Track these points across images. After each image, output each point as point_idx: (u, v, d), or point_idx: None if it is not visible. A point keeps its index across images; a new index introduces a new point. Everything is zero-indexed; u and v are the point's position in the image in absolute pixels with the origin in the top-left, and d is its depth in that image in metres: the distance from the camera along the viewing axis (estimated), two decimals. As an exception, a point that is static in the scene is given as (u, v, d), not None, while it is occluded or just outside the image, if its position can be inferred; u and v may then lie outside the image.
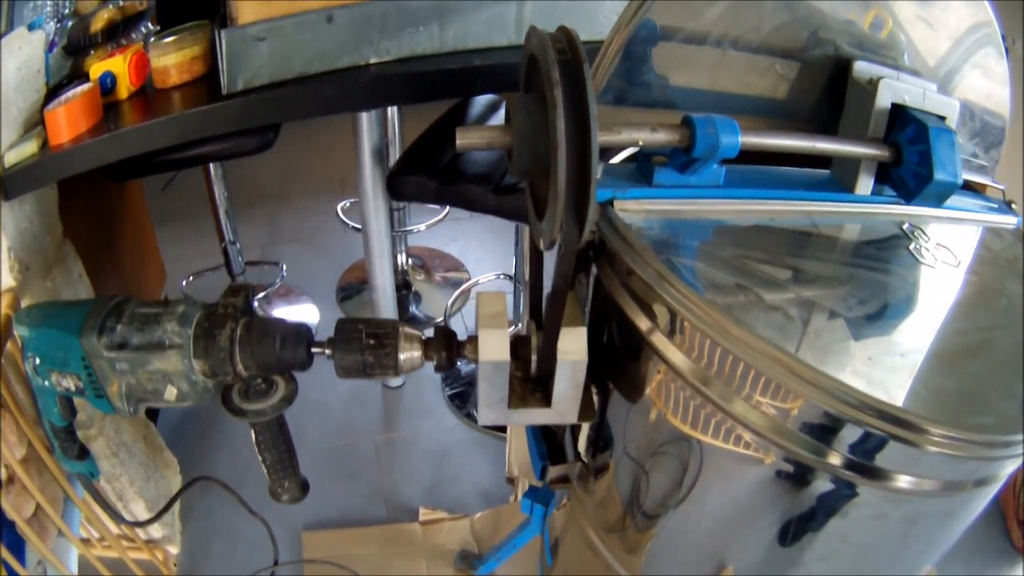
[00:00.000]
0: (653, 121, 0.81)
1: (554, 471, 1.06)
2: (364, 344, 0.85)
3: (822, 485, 0.76)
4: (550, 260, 0.80)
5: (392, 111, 2.35)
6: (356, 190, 1.95)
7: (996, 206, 0.99)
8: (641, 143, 0.79)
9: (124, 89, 1.37)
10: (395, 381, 2.32)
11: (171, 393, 0.86)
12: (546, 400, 0.88)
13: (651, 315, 0.80)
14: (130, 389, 0.86)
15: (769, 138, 0.86)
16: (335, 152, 3.26)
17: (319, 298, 2.63)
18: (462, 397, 2.28)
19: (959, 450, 0.68)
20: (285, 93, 1.35)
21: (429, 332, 0.90)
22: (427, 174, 1.73)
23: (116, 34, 1.39)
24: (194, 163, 1.92)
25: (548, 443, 1.08)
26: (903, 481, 0.73)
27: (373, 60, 1.40)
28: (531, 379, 0.89)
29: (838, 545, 0.83)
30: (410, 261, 2.76)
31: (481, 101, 2.05)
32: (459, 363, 0.89)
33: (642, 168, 0.88)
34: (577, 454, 1.06)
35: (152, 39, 1.40)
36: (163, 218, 2.38)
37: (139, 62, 1.38)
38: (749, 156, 0.86)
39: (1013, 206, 0.99)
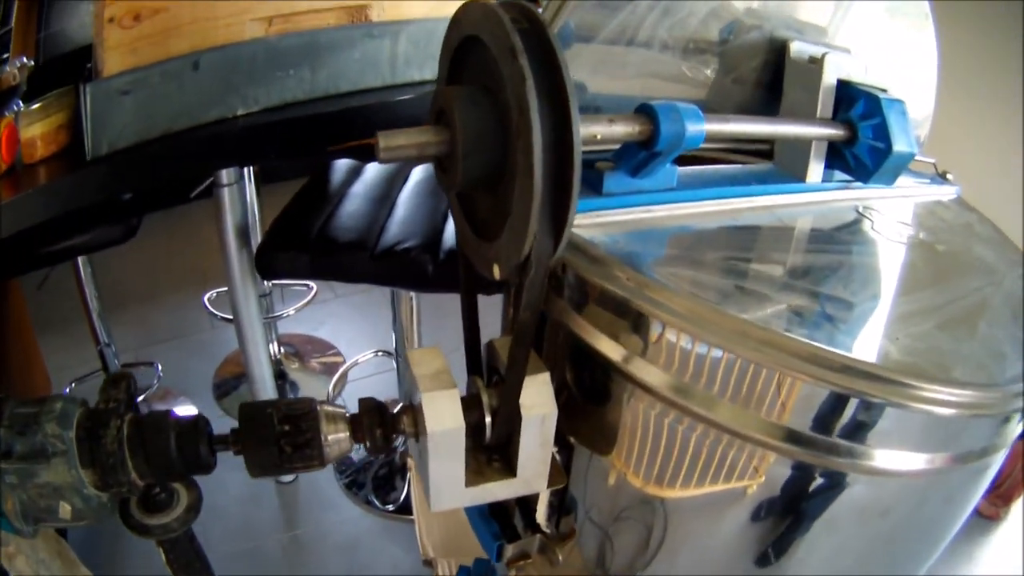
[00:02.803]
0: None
1: (512, 549, 0.87)
2: (278, 432, 0.64)
3: (821, 487, 0.64)
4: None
5: (250, 192, 2.14)
6: (220, 280, 1.79)
7: (930, 179, 0.93)
8: (598, 137, 0.62)
9: (-6, 167, 1.19)
10: (287, 475, 2.07)
11: (65, 511, 0.71)
12: (508, 469, 0.70)
13: (627, 337, 0.63)
14: (24, 507, 0.70)
15: (732, 124, 0.71)
16: (195, 242, 3.11)
17: (197, 397, 2.44)
18: (358, 484, 2.10)
19: (977, 408, 0.59)
20: (151, 153, 1.20)
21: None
22: (298, 247, 1.52)
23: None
24: (64, 257, 1.84)
25: (499, 519, 0.89)
26: (914, 462, 0.62)
27: (241, 112, 1.24)
28: (484, 447, 0.70)
29: (843, 552, 0.71)
30: (282, 349, 2.57)
31: (342, 167, 1.86)
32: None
33: (586, 177, 0.71)
34: (534, 525, 0.87)
35: (21, 110, 1.23)
36: (40, 324, 2.21)
37: (10, 137, 1.20)
38: (683, 158, 0.74)
39: (948, 176, 0.94)
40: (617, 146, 0.73)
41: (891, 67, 0.91)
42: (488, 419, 0.67)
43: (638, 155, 0.69)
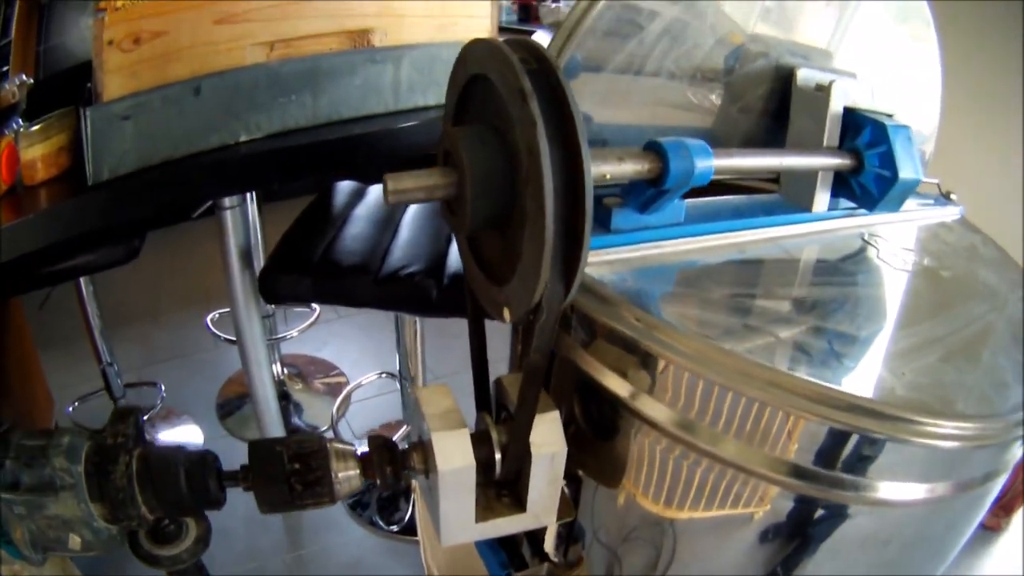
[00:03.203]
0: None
1: (520, 579, 0.86)
2: (288, 470, 0.64)
3: (824, 517, 0.64)
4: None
5: (252, 213, 2.13)
6: (223, 300, 1.76)
7: (934, 201, 0.93)
8: (608, 177, 0.62)
9: (-6, 188, 1.17)
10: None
11: (75, 542, 0.72)
12: (518, 504, 0.69)
13: (634, 374, 0.63)
14: (34, 536, 0.72)
15: (739, 159, 0.71)
16: (198, 261, 3.07)
17: (200, 417, 2.40)
18: (363, 505, 2.07)
19: (980, 440, 0.59)
20: (153, 180, 1.17)
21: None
22: (300, 271, 1.50)
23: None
24: (65, 277, 1.80)
25: (507, 548, 0.88)
26: (916, 492, 0.61)
27: (243, 138, 1.22)
28: (494, 482, 0.69)
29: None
30: (286, 370, 2.54)
31: (345, 188, 1.85)
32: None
33: (595, 214, 0.71)
34: (542, 554, 0.86)
35: (21, 130, 1.21)
36: (42, 342, 2.17)
37: (10, 157, 1.18)
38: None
39: (952, 197, 0.94)
40: (626, 182, 0.72)
41: (895, 85, 0.91)
42: (498, 455, 0.67)
43: (646, 192, 0.69)
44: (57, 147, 1.22)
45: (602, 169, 0.61)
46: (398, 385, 2.24)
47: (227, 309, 2.03)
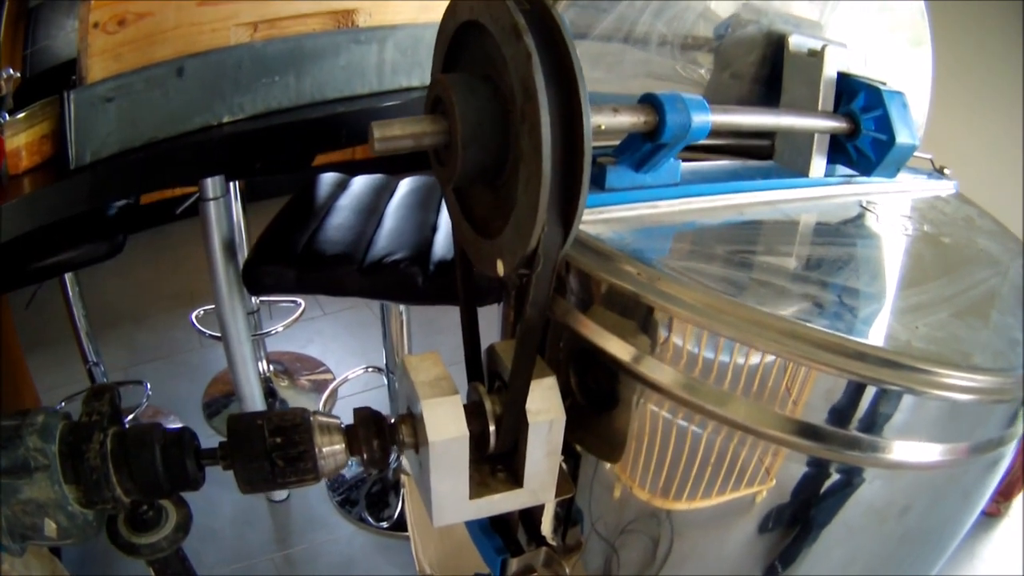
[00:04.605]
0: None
1: (516, 564, 0.81)
2: (269, 445, 0.59)
3: (836, 486, 0.60)
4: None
5: (236, 207, 2.09)
6: (208, 300, 1.72)
7: (927, 175, 0.91)
8: (603, 127, 0.58)
9: (-20, 178, 1.14)
10: (279, 494, 2.03)
11: (51, 528, 0.67)
12: (514, 479, 0.65)
13: (636, 335, 0.59)
14: (10, 523, 0.67)
15: (737, 115, 0.67)
16: (183, 263, 3.06)
17: (186, 416, 2.36)
18: (351, 502, 2.02)
19: (997, 394, 0.56)
20: (135, 162, 1.15)
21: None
22: (285, 262, 1.46)
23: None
24: (49, 274, 1.75)
25: (501, 533, 0.84)
26: (931, 453, 0.58)
27: (227, 119, 1.19)
28: (488, 457, 0.65)
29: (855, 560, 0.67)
30: (271, 367, 2.49)
31: (328, 179, 1.81)
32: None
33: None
34: (538, 538, 0.82)
35: (6, 119, 1.19)
36: (28, 343, 2.17)
37: None
38: (682, 156, 0.71)
39: (946, 172, 0.91)
40: (618, 141, 0.69)
41: (885, 63, 0.88)
42: (492, 427, 0.63)
43: (642, 148, 0.65)
44: (40, 135, 1.20)
45: (597, 120, 0.57)
46: (384, 380, 2.20)
47: (212, 307, 1.99)
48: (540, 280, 0.52)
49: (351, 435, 0.63)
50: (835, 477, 0.59)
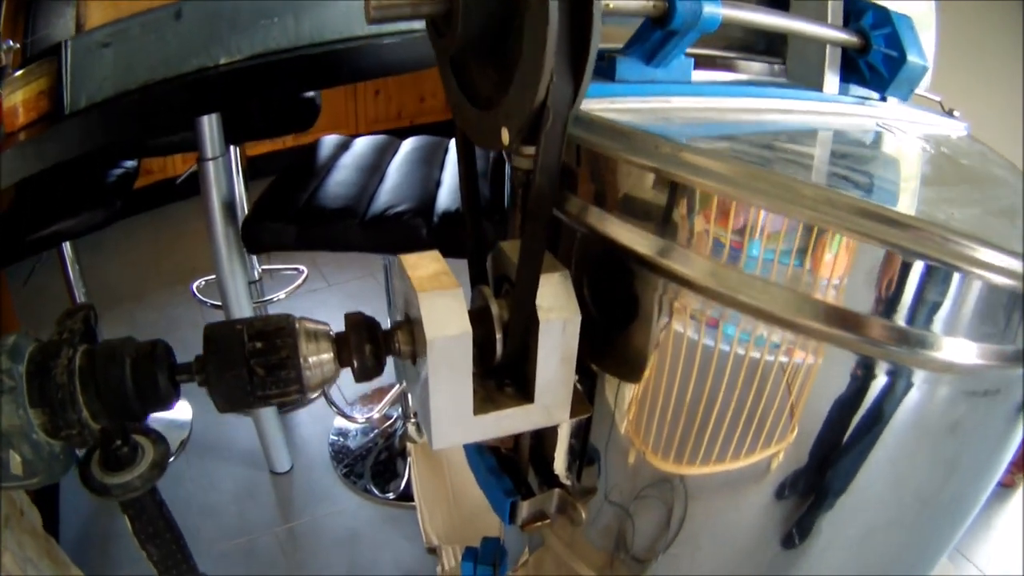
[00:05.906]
0: None
1: (527, 507, 0.74)
2: (249, 350, 0.53)
3: (885, 397, 0.52)
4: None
5: (236, 174, 2.03)
6: (208, 275, 1.66)
7: (938, 114, 0.87)
8: (611, 6, 0.52)
9: (-22, 138, 1.16)
10: (282, 466, 1.97)
11: (16, 463, 0.61)
12: (524, 393, 0.58)
13: (659, 222, 0.52)
14: None
15: (748, 12, 0.63)
16: (183, 242, 3.02)
17: (190, 393, 2.24)
18: (356, 473, 1.97)
19: None
20: (130, 104, 1.14)
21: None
22: (285, 219, 1.41)
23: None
24: (47, 244, 1.72)
25: (511, 474, 0.77)
26: (984, 353, 0.50)
27: (223, 60, 1.17)
28: (494, 369, 0.59)
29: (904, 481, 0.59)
30: (273, 339, 2.43)
31: (330, 141, 1.76)
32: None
33: (597, 65, 0.62)
34: (551, 480, 0.75)
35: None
36: (27, 321, 2.14)
37: None
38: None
39: (955, 114, 0.87)
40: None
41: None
42: (499, 335, 0.56)
43: (652, 36, 0.60)
44: (37, 91, 1.20)
45: None
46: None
47: (212, 276, 1.94)
48: (550, 140, 0.45)
49: (341, 342, 0.56)
50: (882, 380, 0.52)
